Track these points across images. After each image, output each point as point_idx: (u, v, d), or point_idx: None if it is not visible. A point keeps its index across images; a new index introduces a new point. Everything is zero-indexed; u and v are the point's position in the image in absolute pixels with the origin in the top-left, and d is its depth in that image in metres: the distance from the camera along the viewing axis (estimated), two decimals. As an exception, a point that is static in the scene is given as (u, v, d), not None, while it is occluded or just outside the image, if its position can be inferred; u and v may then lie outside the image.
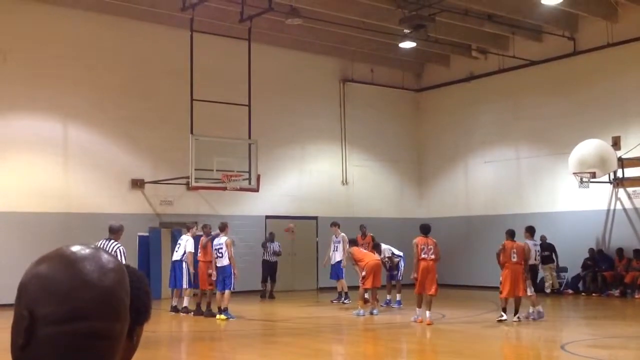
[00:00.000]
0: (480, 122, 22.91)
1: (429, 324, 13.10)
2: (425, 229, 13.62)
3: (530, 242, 14.27)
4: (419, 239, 13.39)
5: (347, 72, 23.54)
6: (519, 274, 13.52)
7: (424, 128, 24.86)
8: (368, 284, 14.85)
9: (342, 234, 17.70)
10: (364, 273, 14.89)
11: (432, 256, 13.27)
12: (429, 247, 13.28)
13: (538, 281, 14.16)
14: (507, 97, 22.23)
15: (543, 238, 19.13)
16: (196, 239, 15.54)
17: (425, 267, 13.19)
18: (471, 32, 20.84)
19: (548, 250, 19.30)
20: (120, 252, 10.09)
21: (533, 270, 14.24)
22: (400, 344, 12.34)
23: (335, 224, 18.06)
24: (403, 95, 24.65)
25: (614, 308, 17.43)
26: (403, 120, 24.77)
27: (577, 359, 9.98)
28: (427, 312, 13.26)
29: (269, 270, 19.58)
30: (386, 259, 16.86)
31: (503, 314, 13.53)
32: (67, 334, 1.09)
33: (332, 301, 18.03)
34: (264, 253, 19.78)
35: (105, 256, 1.16)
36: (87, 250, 1.16)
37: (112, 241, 10.43)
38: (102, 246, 9.72)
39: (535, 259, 14.20)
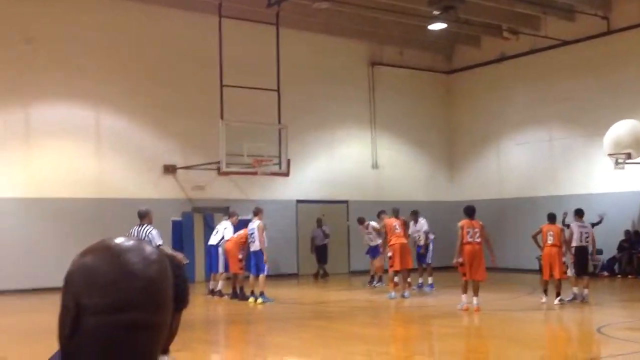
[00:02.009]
0: (511, 104, 22.64)
1: (477, 311, 12.58)
2: (470, 211, 13.01)
3: (573, 224, 14.00)
4: (464, 222, 12.86)
5: (376, 55, 23.38)
6: (555, 256, 13.39)
7: (455, 110, 24.64)
8: (396, 266, 14.74)
9: (370, 223, 17.67)
10: (389, 254, 14.79)
11: (478, 239, 12.73)
12: (475, 230, 12.74)
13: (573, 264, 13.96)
14: (539, 78, 21.92)
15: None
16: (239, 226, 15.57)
17: (471, 251, 12.68)
18: (502, 12, 20.56)
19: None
20: (152, 235, 10.29)
21: (582, 252, 13.87)
22: (432, 327, 12.32)
23: (361, 220, 18.17)
24: (433, 77, 24.44)
25: (650, 290, 17.22)
26: (433, 103, 24.58)
27: (613, 342, 9.88)
28: (475, 299, 12.71)
29: (321, 253, 20.90)
30: (422, 234, 16.63)
31: (543, 295, 13.53)
32: (111, 325, 1.10)
33: (367, 284, 17.98)
34: (315, 239, 20.95)
35: (148, 247, 1.18)
36: (131, 242, 1.17)
37: (145, 225, 10.59)
38: (134, 233, 9.98)
39: (581, 241, 13.85)
